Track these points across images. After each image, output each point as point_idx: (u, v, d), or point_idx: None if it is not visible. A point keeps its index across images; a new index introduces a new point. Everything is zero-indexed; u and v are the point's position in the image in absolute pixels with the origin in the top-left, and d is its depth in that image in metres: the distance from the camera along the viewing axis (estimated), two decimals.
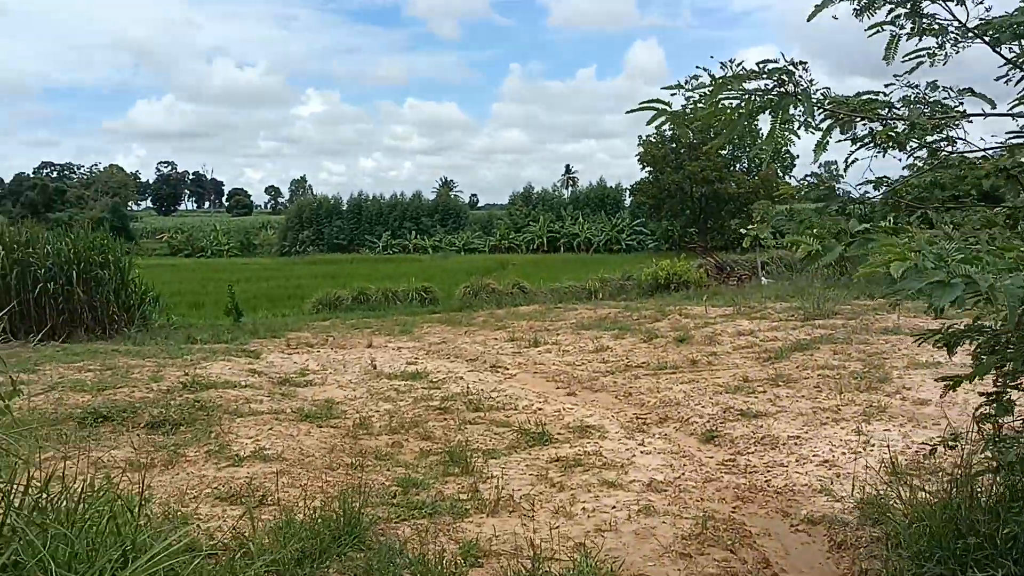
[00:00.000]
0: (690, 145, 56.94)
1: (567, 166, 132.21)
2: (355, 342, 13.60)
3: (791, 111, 2.91)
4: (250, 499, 4.44)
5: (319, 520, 3.91)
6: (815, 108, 2.89)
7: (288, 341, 13.77)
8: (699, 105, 3.19)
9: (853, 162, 3.10)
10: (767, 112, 2.98)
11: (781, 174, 58.98)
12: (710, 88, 3.14)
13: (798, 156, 58.77)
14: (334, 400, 8.13)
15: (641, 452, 6.05)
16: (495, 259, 52.04)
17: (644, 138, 59.19)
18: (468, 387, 8.69)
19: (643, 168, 59.81)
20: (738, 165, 59.81)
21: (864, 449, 5.79)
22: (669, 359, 9.97)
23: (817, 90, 2.95)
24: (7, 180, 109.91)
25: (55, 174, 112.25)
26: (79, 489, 3.55)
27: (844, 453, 5.76)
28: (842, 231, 2.74)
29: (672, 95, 3.46)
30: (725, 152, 58.86)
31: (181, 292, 31.02)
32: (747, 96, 3.06)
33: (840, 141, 3.02)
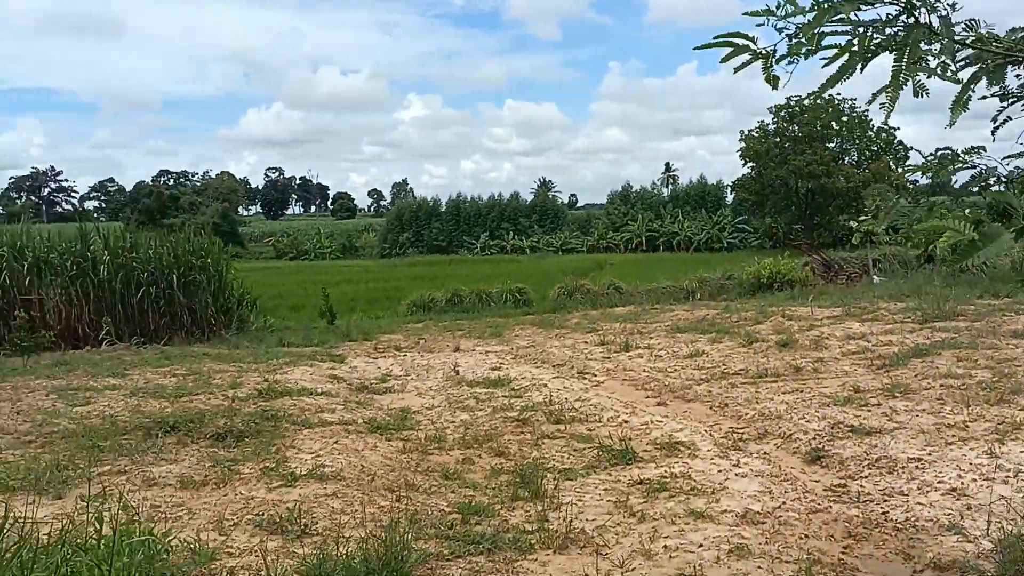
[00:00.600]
0: (795, 138, 54.98)
1: (667, 164, 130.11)
2: (443, 345, 13.29)
3: (922, 47, 2.24)
4: (292, 528, 4.06)
5: (356, 559, 3.48)
6: (955, 48, 2.22)
7: (376, 345, 13.57)
8: (795, 41, 2.53)
9: (1002, 124, 2.43)
10: (889, 52, 2.32)
11: (893, 166, 56.25)
12: (811, 16, 2.44)
13: (911, 148, 55.90)
14: (410, 409, 7.77)
15: (736, 474, 5.41)
16: (592, 259, 51.38)
17: (746, 132, 57.42)
18: (551, 396, 8.19)
19: (745, 164, 58.00)
20: (847, 158, 57.28)
21: (998, 475, 5.01)
22: (770, 366, 9.21)
23: (958, 22, 2.26)
24: (128, 188, 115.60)
25: (171, 182, 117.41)
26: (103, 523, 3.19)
27: (975, 479, 4.99)
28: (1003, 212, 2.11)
29: (758, 25, 2.74)
30: (833, 145, 56.54)
31: (283, 295, 31.61)
32: (860, 29, 2.39)
33: (985, 98, 2.36)
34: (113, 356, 13.76)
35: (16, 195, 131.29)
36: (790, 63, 2.65)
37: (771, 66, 2.75)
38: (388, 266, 53.86)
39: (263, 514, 4.23)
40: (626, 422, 7.03)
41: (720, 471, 5.47)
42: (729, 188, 64.93)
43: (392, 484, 5.01)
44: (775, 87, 2.74)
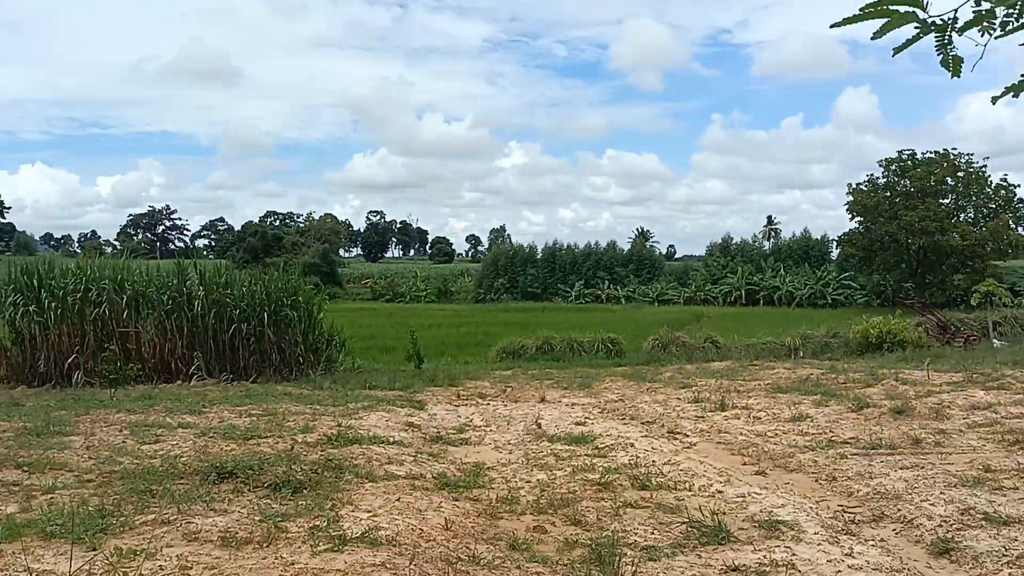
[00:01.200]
0: (907, 193, 52.73)
1: (769, 217, 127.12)
2: (529, 395, 12.75)
3: None
4: None
5: None
6: None
7: (459, 392, 13.12)
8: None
9: None
10: None
11: (1013, 225, 53.32)
12: None
13: None
14: (484, 465, 7.24)
15: (849, 566, 4.65)
16: (689, 311, 50.10)
17: (854, 186, 55.41)
18: (637, 457, 7.53)
19: (852, 218, 55.86)
20: (962, 215, 54.50)
21: None
22: (884, 435, 8.31)
23: None
24: (237, 228, 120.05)
25: (277, 222, 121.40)
26: None
27: None
28: None
29: None
30: (947, 201, 54.00)
31: (374, 336, 31.73)
32: None
33: None
34: (198, 392, 13.76)
35: (133, 232, 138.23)
36: (980, 36, 1.97)
37: (949, 42, 2.09)
38: (481, 311, 53.83)
39: None
40: (720, 492, 6.32)
41: (830, 561, 4.71)
42: (835, 243, 62.67)
43: (451, 554, 4.47)
44: (956, 73, 2.09)
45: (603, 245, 71.75)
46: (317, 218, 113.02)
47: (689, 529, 5.20)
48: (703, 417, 9.99)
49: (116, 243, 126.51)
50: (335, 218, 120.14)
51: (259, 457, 6.55)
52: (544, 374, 16.29)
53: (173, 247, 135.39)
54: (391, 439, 8.06)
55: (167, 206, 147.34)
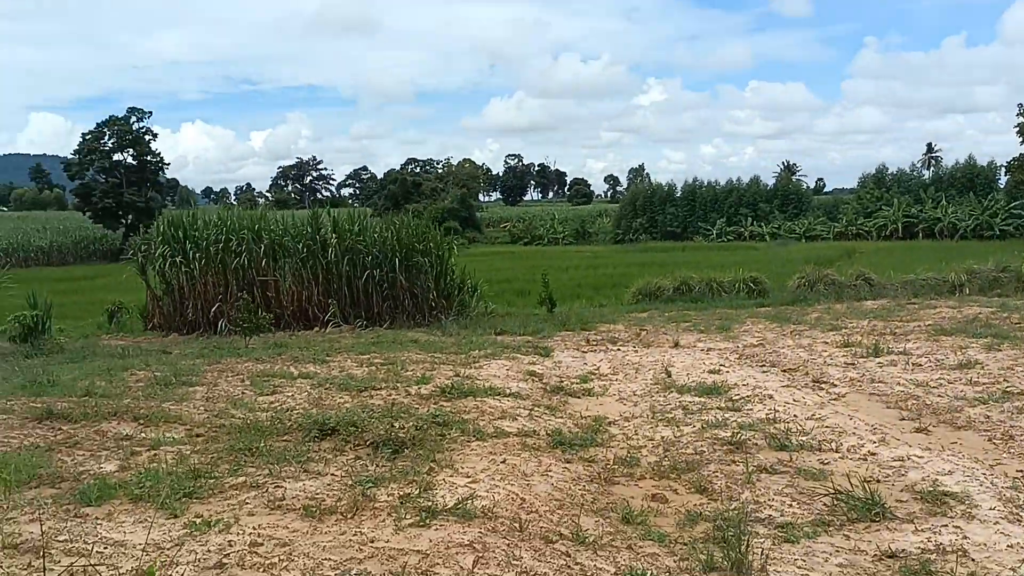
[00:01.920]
0: None
1: (928, 144, 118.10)
2: (663, 339, 12.07)
3: None
4: None
5: None
6: None
7: (589, 337, 12.58)
8: None
9: None
10: None
11: None
12: None
13: None
14: (604, 419, 6.68)
15: None
16: (839, 247, 47.29)
17: None
18: (776, 411, 6.77)
19: (1023, 142, 50.90)
20: None
21: None
22: None
23: None
24: (380, 176, 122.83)
25: (417, 169, 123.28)
26: None
27: None
28: None
29: None
30: None
31: (509, 279, 31.49)
32: None
33: None
34: (331, 339, 13.84)
35: (283, 183, 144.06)
36: None
37: None
38: (619, 252, 52.81)
39: (369, 570, 3.30)
40: (872, 455, 5.52)
41: (1011, 546, 3.90)
42: (1003, 169, 57.43)
43: (553, 531, 3.96)
44: None
45: (745, 181, 68.64)
46: (455, 164, 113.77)
47: (835, 502, 4.48)
48: (854, 364, 9.02)
49: (268, 194, 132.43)
50: (473, 163, 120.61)
51: (365, 412, 6.24)
52: (681, 316, 15.50)
53: (320, 197, 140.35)
54: (508, 390, 7.61)
55: (313, 157, 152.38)
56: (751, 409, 6.92)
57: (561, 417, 6.75)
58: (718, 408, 6.98)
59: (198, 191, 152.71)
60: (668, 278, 22.94)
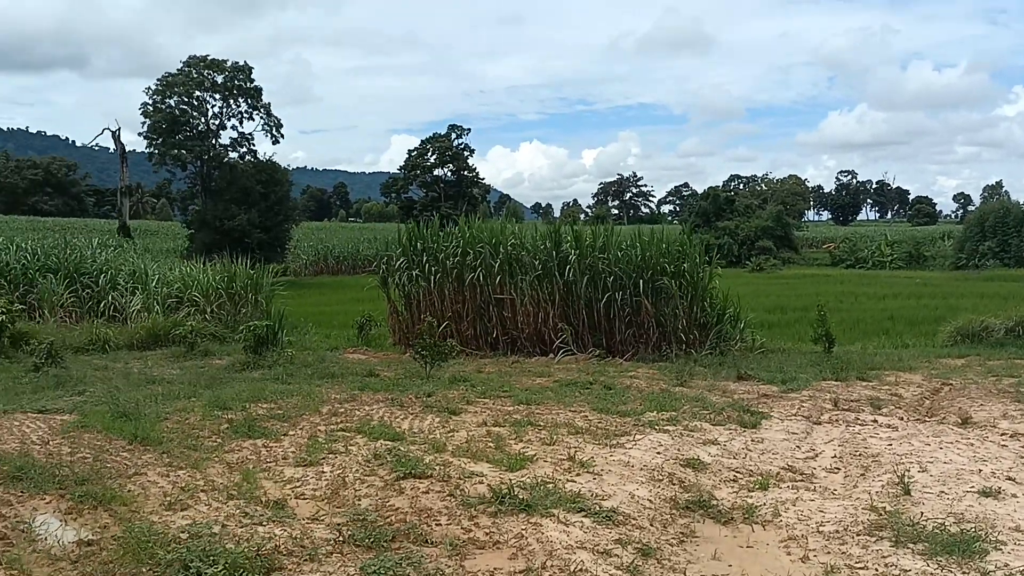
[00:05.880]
0: None
1: None
2: (957, 407, 8.74)
3: None
4: None
5: None
6: None
7: (840, 398, 9.36)
8: None
9: None
10: None
11: None
12: None
13: None
14: None
15: None
16: None
17: None
18: None
19: None
20: None
21: None
22: None
23: None
24: (699, 193, 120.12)
25: (741, 186, 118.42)
26: None
27: None
28: None
29: None
30: None
31: (806, 307, 27.61)
32: None
33: None
34: (543, 369, 12.10)
35: (604, 199, 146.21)
36: None
37: None
38: (956, 279, 45.39)
39: None
40: None
41: None
42: None
43: None
44: None
45: None
46: (778, 180, 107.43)
47: None
48: None
49: (589, 210, 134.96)
50: (798, 179, 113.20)
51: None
52: (1010, 368, 11.71)
53: (640, 214, 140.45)
54: (603, 505, 5.02)
55: (634, 173, 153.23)
56: None
57: None
58: None
59: (527, 206, 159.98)
60: (999, 316, 18.15)
